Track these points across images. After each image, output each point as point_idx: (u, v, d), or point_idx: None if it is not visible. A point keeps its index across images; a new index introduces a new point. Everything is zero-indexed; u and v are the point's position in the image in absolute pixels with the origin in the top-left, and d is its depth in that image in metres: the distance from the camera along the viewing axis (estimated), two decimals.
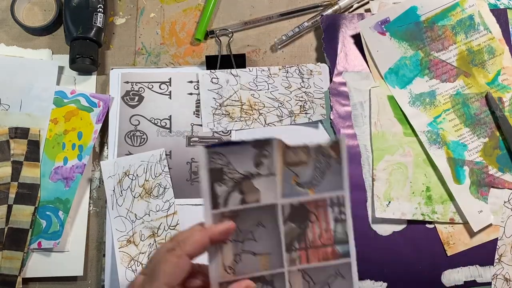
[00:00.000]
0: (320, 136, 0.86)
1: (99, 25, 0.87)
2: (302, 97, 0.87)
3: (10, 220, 0.80)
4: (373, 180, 0.83)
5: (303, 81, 0.87)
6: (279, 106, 0.86)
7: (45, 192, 0.82)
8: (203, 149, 0.53)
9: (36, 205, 0.81)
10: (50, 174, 0.82)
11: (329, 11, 0.92)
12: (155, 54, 0.91)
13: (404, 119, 0.86)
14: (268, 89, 0.87)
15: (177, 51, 0.91)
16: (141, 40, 0.92)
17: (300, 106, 0.86)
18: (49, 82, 0.86)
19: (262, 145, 0.54)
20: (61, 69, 0.88)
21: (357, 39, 0.89)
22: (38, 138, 0.83)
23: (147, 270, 0.55)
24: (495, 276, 0.81)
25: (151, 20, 0.93)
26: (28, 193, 0.81)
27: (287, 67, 0.88)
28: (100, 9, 0.88)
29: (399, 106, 0.86)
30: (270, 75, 0.87)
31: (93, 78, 0.89)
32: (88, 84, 0.89)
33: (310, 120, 0.86)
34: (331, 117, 0.86)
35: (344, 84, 0.87)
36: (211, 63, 0.88)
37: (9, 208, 0.80)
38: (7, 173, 0.81)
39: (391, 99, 0.87)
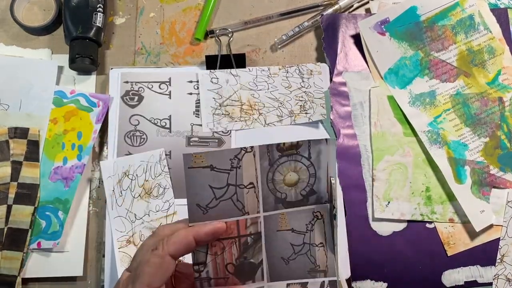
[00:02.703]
0: (320, 136, 0.86)
1: (98, 25, 0.87)
2: (302, 97, 0.86)
3: (10, 220, 0.79)
4: (373, 180, 0.83)
5: (303, 81, 0.87)
6: (279, 106, 0.86)
7: (45, 192, 0.82)
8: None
9: (36, 205, 0.81)
10: (49, 174, 0.82)
11: (329, 10, 0.92)
12: (155, 54, 0.91)
13: (403, 119, 0.86)
14: (268, 89, 0.87)
15: (177, 51, 0.91)
16: (141, 39, 0.92)
17: (300, 106, 0.86)
18: (49, 82, 0.86)
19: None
20: (60, 69, 0.88)
21: (357, 39, 0.89)
22: (38, 138, 0.83)
23: (131, 267, 0.54)
24: (496, 276, 0.81)
25: (151, 19, 0.93)
26: (27, 193, 0.81)
27: (287, 67, 0.88)
28: (100, 9, 0.88)
29: (399, 106, 0.86)
30: (270, 75, 0.87)
31: (92, 78, 0.89)
32: (87, 84, 0.88)
33: (310, 120, 0.85)
34: (331, 117, 0.86)
35: (344, 84, 0.87)
36: (211, 62, 0.88)
37: (9, 208, 0.80)
38: (6, 173, 0.81)
39: (391, 99, 0.87)
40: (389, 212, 0.82)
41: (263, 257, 0.57)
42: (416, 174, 0.84)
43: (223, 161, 0.54)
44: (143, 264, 0.52)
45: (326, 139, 0.54)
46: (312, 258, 0.58)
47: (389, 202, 0.82)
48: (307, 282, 0.58)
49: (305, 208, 0.56)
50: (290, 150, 0.55)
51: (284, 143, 0.54)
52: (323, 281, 0.58)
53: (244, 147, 0.54)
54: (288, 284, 0.58)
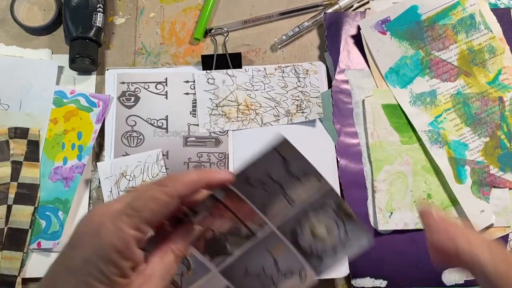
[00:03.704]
0: (317, 135, 0.86)
1: (98, 25, 0.87)
2: (298, 96, 0.86)
3: (10, 220, 0.80)
4: (374, 192, 0.83)
5: (299, 81, 0.87)
6: (275, 106, 0.86)
7: (45, 192, 0.82)
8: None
9: (36, 205, 0.81)
10: (49, 174, 0.83)
11: (329, 10, 0.91)
12: (155, 54, 0.91)
13: (400, 127, 0.85)
14: (264, 89, 0.87)
15: (177, 51, 0.91)
16: (141, 40, 0.92)
17: (297, 105, 0.86)
18: (49, 82, 0.86)
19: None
20: (60, 69, 0.88)
21: (360, 37, 0.89)
22: (38, 138, 0.83)
23: (126, 198, 0.43)
24: None
25: (151, 20, 0.93)
26: (27, 193, 0.81)
27: (283, 67, 0.88)
28: (100, 9, 0.88)
29: (400, 107, 0.86)
30: (266, 75, 0.87)
31: (92, 78, 0.89)
32: (87, 84, 0.88)
33: (307, 119, 0.85)
34: (333, 115, 0.85)
35: (346, 81, 0.87)
36: (207, 62, 0.88)
37: (9, 208, 0.80)
38: (6, 173, 0.81)
39: (386, 107, 0.86)
40: (392, 223, 0.81)
41: (236, 254, 0.54)
42: (417, 182, 0.83)
43: (299, 170, 0.51)
44: (149, 199, 0.43)
45: (370, 239, 0.53)
46: None
47: (391, 213, 0.82)
48: None
49: (299, 259, 0.54)
50: (344, 213, 0.53)
51: (347, 205, 0.52)
52: None
53: (323, 177, 0.51)
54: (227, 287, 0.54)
